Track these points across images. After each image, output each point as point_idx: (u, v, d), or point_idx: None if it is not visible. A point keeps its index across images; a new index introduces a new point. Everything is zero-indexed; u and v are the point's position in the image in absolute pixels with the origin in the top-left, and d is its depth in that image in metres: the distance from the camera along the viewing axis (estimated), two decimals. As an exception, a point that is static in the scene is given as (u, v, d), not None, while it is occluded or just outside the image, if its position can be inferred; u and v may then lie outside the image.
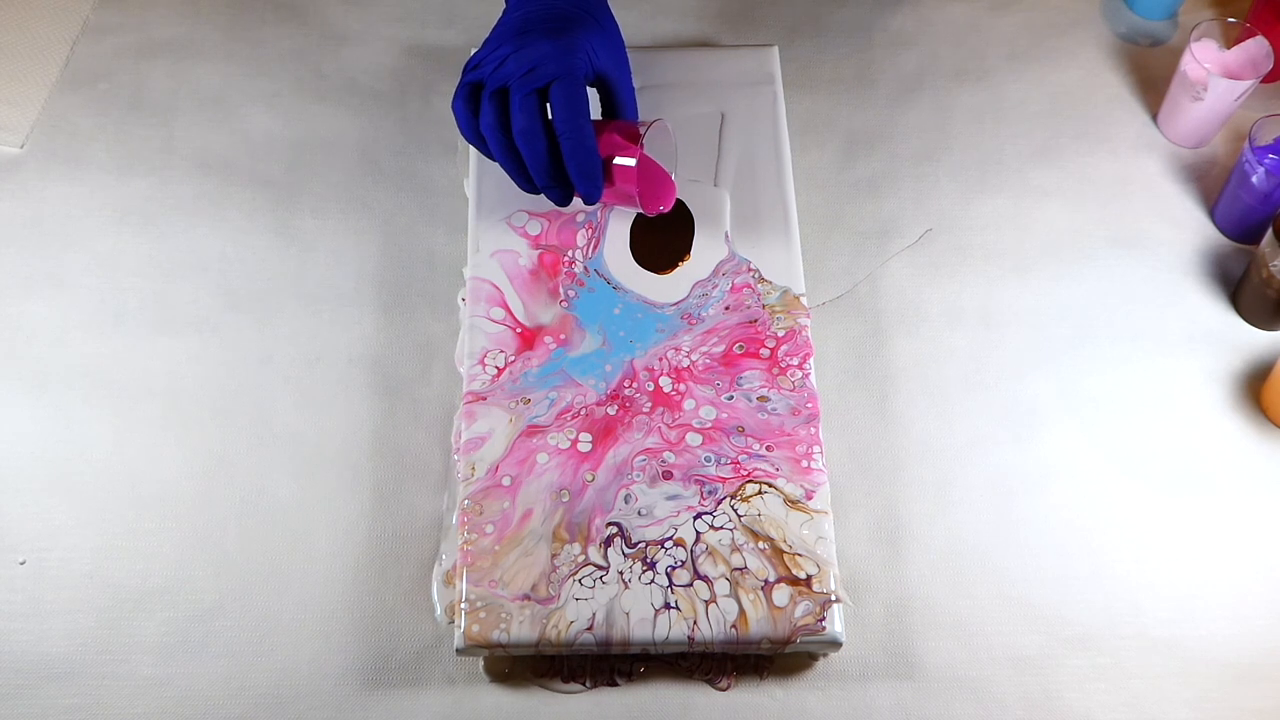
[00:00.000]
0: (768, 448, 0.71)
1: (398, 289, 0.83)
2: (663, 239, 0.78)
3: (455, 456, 0.73)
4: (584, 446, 0.71)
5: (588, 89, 0.69)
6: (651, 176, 0.74)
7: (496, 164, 0.75)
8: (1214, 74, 0.82)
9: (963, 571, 0.74)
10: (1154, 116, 0.91)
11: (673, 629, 0.66)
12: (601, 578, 0.68)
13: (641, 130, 0.70)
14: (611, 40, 0.71)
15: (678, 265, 0.77)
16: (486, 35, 0.71)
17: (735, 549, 0.68)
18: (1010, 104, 0.92)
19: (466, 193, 0.82)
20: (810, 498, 0.70)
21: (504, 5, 0.73)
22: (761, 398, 0.73)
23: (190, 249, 0.85)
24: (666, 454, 0.71)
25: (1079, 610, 0.73)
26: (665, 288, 0.77)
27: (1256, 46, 0.84)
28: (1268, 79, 0.90)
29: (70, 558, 0.74)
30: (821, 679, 0.71)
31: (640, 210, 0.73)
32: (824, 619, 0.66)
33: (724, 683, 0.71)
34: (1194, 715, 0.70)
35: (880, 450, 0.78)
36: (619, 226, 0.79)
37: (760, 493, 0.70)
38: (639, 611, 0.67)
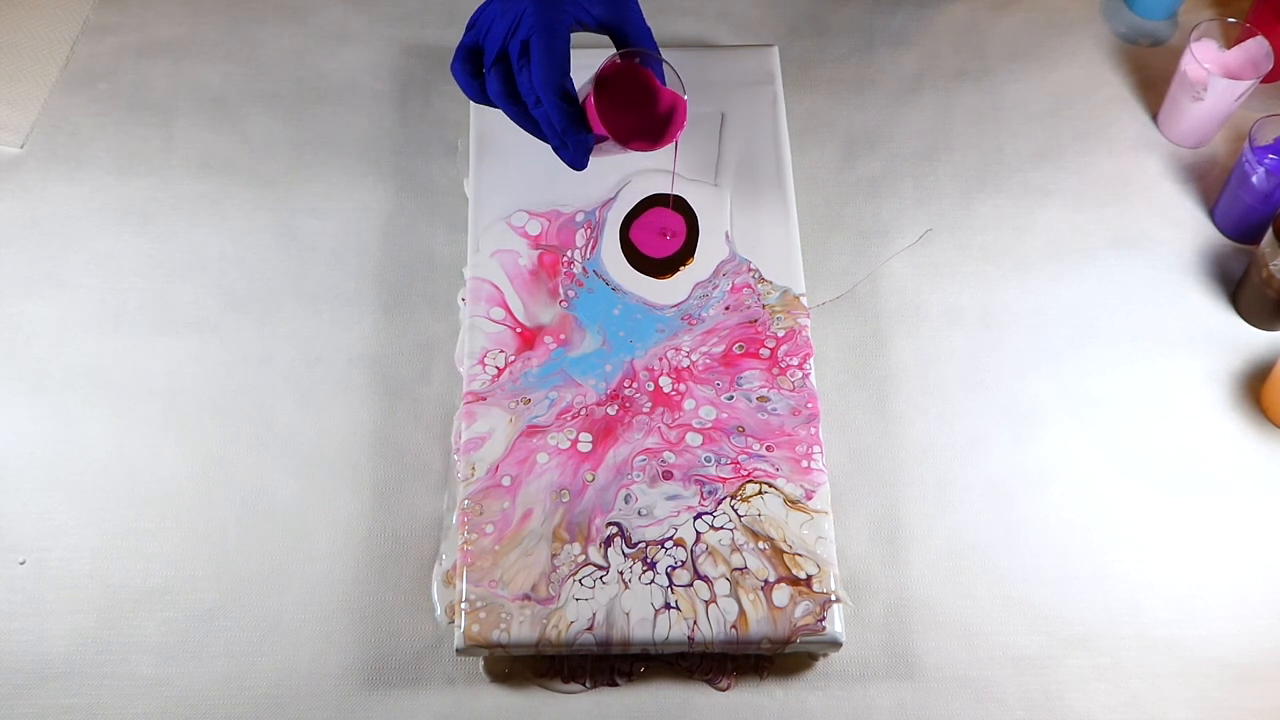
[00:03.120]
0: (768, 448, 0.71)
1: (398, 289, 0.83)
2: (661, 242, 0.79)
3: (455, 456, 0.73)
4: (584, 446, 0.71)
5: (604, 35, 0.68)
6: (636, 110, 0.70)
7: (496, 164, 0.75)
8: (1214, 74, 0.82)
9: (963, 571, 0.74)
10: (1154, 116, 0.91)
11: (673, 629, 0.66)
12: (601, 578, 0.68)
13: (614, 61, 0.67)
14: None
15: (679, 270, 0.77)
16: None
17: (735, 549, 0.68)
18: (1010, 104, 0.92)
19: (466, 193, 0.82)
20: (810, 498, 0.70)
21: None
22: (761, 398, 0.73)
23: (190, 249, 0.85)
24: (666, 454, 0.71)
25: (1079, 610, 0.73)
26: (665, 289, 0.77)
27: (1256, 46, 0.84)
28: (1268, 79, 0.90)
29: (70, 558, 0.74)
30: (821, 679, 0.71)
31: (628, 150, 0.68)
32: (824, 619, 0.66)
33: (724, 683, 0.71)
34: (1194, 715, 0.70)
35: (880, 450, 0.78)
36: (617, 228, 0.79)
37: (760, 493, 0.70)
38: (639, 611, 0.67)
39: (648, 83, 0.69)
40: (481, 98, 0.69)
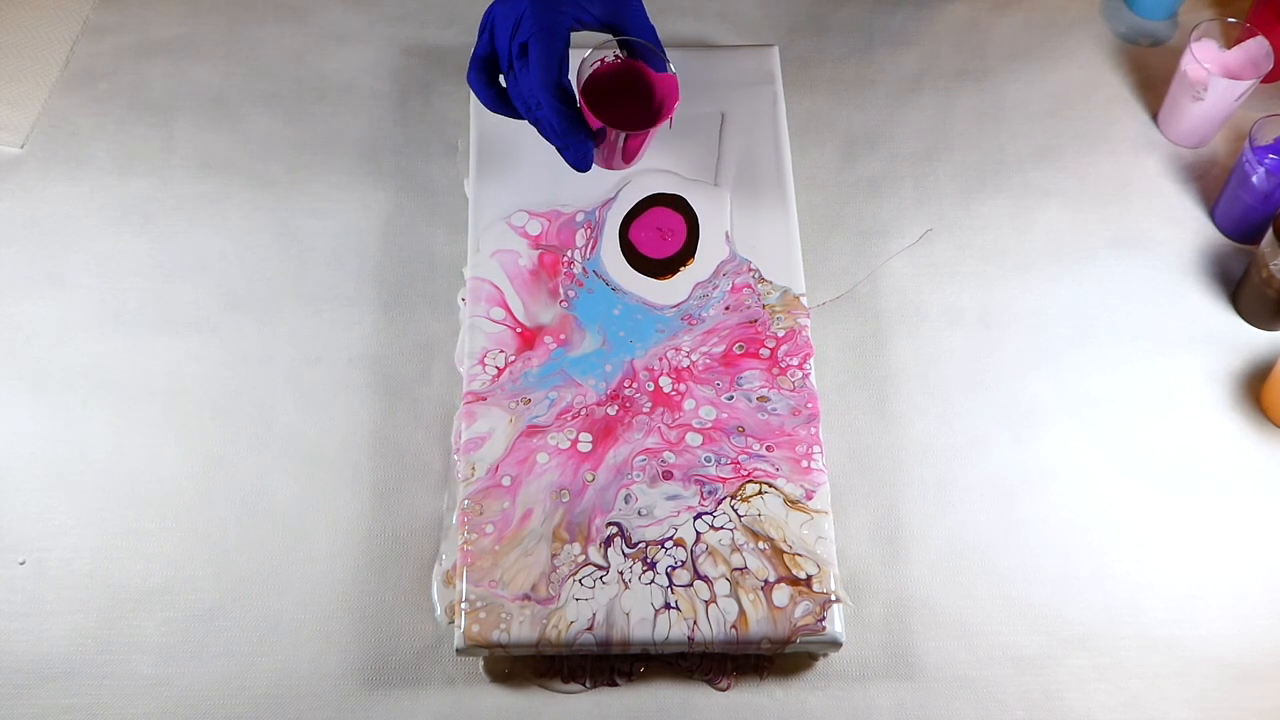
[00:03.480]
0: (768, 448, 0.71)
1: (398, 289, 0.83)
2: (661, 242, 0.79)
3: (455, 456, 0.73)
4: (584, 446, 0.71)
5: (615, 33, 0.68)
6: (630, 100, 0.70)
7: (496, 164, 0.75)
8: (1214, 74, 0.82)
9: (963, 571, 0.74)
10: (1154, 116, 0.91)
11: (673, 629, 0.66)
12: (601, 578, 0.68)
13: (601, 60, 0.68)
14: None
15: (679, 270, 0.77)
16: None
17: (735, 549, 0.68)
18: (1010, 104, 0.92)
19: (466, 193, 0.82)
20: (810, 498, 0.70)
21: None
22: (761, 398, 0.73)
23: (190, 249, 0.85)
24: (666, 454, 0.71)
25: (1079, 610, 0.73)
26: (665, 289, 0.77)
27: (1256, 46, 0.84)
28: (1268, 79, 0.90)
29: (70, 558, 0.74)
30: (821, 679, 0.71)
31: (627, 145, 0.69)
32: (824, 619, 0.66)
33: (724, 683, 0.71)
34: (1194, 715, 0.70)
35: (880, 450, 0.78)
36: (616, 228, 0.79)
37: (760, 493, 0.70)
38: (639, 611, 0.67)
39: (639, 73, 0.70)
40: (499, 105, 0.69)
